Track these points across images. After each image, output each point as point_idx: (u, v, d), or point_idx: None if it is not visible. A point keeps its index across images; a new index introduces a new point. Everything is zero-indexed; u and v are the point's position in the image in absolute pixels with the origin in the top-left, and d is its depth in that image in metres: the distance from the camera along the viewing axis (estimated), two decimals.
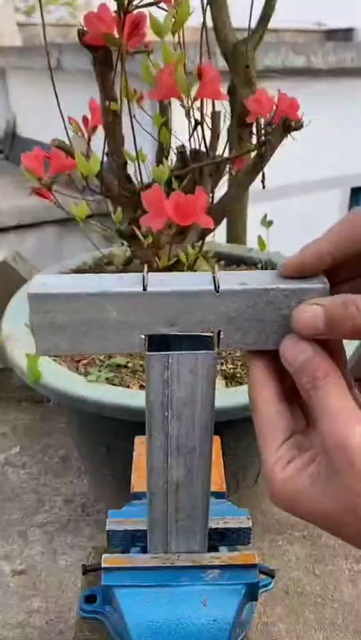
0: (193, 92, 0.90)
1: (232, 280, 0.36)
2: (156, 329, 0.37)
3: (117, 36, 0.86)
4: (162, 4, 0.86)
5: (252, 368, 0.37)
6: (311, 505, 0.33)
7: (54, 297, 0.36)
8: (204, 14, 0.99)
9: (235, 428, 0.94)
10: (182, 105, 0.91)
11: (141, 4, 0.84)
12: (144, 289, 0.36)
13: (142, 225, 0.91)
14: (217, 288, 0.36)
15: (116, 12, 0.84)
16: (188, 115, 0.94)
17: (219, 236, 1.33)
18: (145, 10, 0.85)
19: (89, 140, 1.01)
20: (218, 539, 0.54)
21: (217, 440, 0.72)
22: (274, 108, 0.96)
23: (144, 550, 0.54)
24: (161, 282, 0.37)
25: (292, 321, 0.34)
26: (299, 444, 0.35)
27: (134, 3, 0.83)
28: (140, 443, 0.69)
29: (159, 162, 1.08)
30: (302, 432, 0.36)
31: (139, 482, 0.67)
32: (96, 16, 0.85)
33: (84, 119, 1.01)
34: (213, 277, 0.36)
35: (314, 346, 0.34)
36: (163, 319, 0.37)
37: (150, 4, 0.84)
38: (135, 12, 0.85)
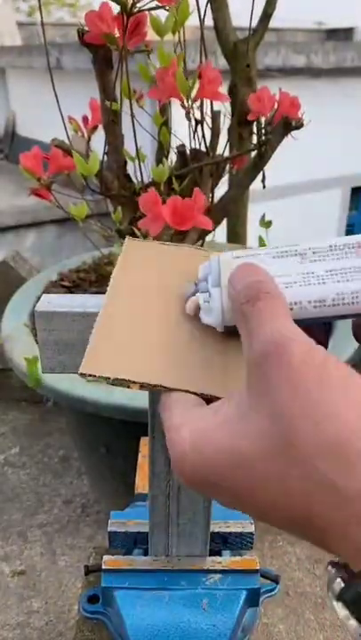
0: (194, 92, 0.90)
1: None
2: None
3: (118, 35, 0.86)
4: (165, 4, 0.86)
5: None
6: (222, 442, 0.24)
7: (60, 315, 0.36)
8: (200, 13, 0.98)
9: None
10: (182, 105, 0.91)
11: (145, 7, 0.83)
12: None
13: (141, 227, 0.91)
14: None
15: (118, 13, 0.83)
16: (188, 116, 0.94)
17: (219, 236, 1.33)
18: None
19: (88, 139, 1.01)
20: (220, 543, 0.54)
21: None
22: (275, 106, 0.96)
23: (146, 553, 0.54)
24: None
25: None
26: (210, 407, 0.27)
27: (138, 5, 0.82)
28: (144, 444, 0.69)
29: (159, 161, 1.08)
30: None
31: (142, 483, 0.66)
32: (97, 15, 0.84)
33: (84, 118, 1.01)
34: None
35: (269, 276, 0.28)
36: None
37: (154, 8, 0.84)
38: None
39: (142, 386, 0.30)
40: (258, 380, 0.24)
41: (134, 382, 0.29)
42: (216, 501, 0.27)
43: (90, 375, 0.29)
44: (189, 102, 0.90)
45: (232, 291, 0.29)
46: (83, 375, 0.29)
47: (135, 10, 0.82)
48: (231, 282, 0.29)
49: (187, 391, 0.29)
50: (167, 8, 0.85)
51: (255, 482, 0.23)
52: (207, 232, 1.07)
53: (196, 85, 0.89)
